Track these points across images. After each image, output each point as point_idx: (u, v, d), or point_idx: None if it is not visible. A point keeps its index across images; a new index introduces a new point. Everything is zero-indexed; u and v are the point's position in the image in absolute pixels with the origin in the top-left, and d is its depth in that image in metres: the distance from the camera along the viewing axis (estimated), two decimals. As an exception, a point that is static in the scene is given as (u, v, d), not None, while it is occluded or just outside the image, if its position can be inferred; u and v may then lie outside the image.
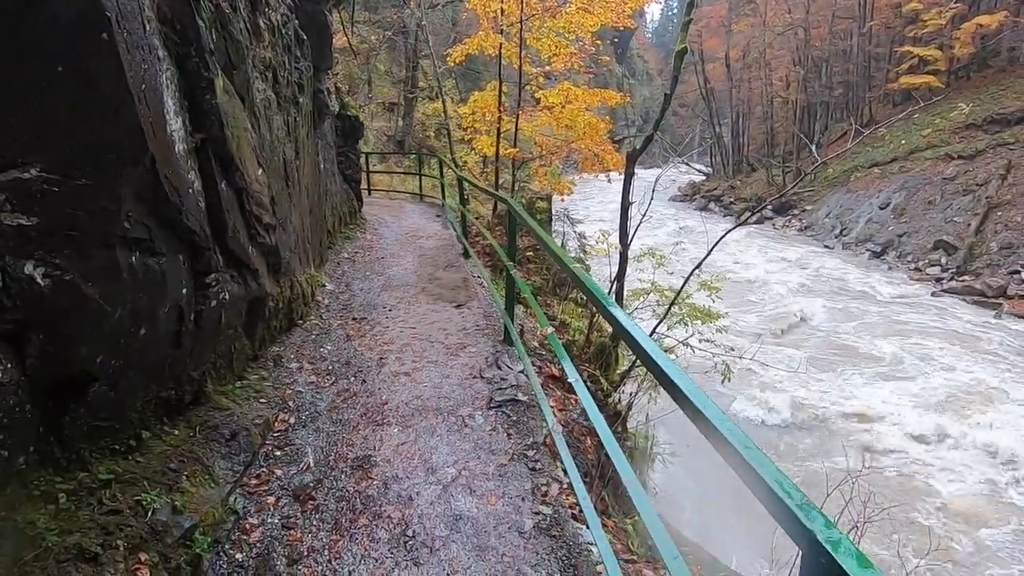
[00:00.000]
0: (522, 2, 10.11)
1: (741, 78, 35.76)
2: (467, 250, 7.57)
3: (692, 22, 7.09)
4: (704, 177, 37.39)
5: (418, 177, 14.54)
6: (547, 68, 11.75)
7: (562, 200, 14.15)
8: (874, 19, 29.46)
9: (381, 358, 4.47)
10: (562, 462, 2.87)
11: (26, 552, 1.89)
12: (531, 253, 9.09)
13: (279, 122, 4.65)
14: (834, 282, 16.39)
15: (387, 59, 21.61)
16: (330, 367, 4.34)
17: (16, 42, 1.88)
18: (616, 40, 36.27)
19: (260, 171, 3.85)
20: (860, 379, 10.41)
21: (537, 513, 2.73)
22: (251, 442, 3.11)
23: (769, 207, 23.66)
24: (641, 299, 7.01)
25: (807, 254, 19.66)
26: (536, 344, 5.08)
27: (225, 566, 2.41)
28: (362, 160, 12.10)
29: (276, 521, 2.68)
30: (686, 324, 6.50)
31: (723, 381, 6.41)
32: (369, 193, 13.70)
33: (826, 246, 20.95)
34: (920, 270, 16.75)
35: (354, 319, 5.37)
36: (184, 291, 2.81)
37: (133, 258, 2.37)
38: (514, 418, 3.55)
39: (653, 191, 6.45)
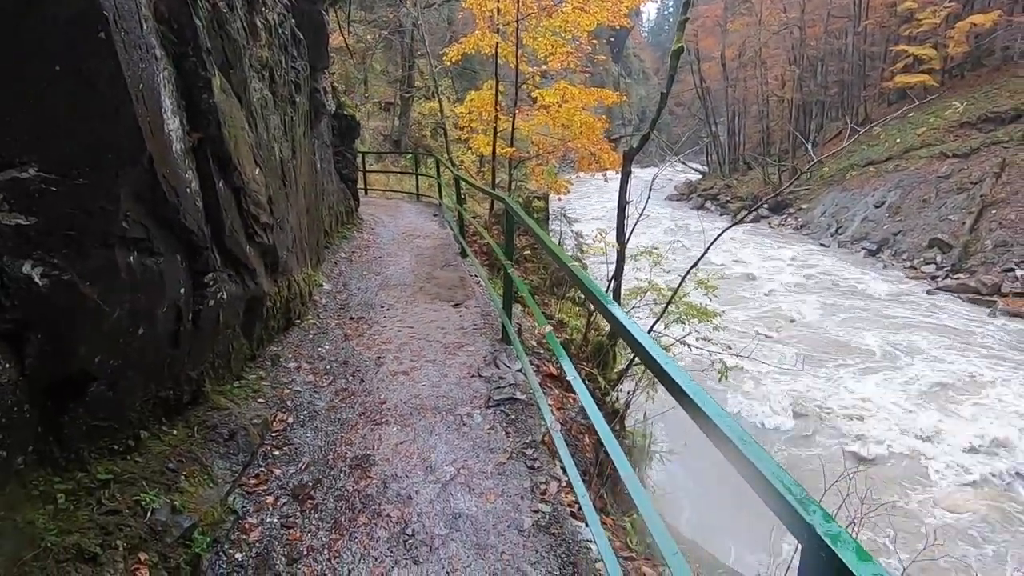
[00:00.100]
0: (518, 1, 10.11)
1: (737, 77, 35.85)
2: (464, 249, 7.57)
3: (688, 21, 7.10)
4: (700, 176, 37.45)
5: (415, 177, 14.53)
6: (543, 67, 11.75)
7: (559, 199, 14.18)
8: (869, 18, 29.59)
9: (379, 357, 4.47)
10: (561, 460, 2.88)
11: (25, 552, 1.89)
12: (528, 252, 9.10)
13: (276, 121, 4.64)
14: (830, 280, 16.46)
15: (383, 58, 21.58)
16: (328, 366, 4.34)
17: (15, 42, 1.88)
18: (612, 39, 36.26)
19: (257, 170, 3.85)
20: (856, 376, 10.46)
21: (536, 511, 2.74)
22: (249, 442, 3.11)
23: (765, 206, 23.76)
24: (638, 298, 7.03)
25: (803, 252, 19.74)
26: (534, 343, 5.09)
27: (224, 565, 2.41)
28: (358, 160, 12.07)
29: (275, 520, 2.68)
30: (683, 322, 6.52)
31: (720, 379, 6.44)
32: (366, 193, 13.69)
33: (822, 244, 21.03)
34: (915, 268, 16.83)
35: (352, 319, 5.37)
36: (182, 291, 2.80)
37: (131, 258, 2.37)
38: (512, 417, 3.56)
39: (650, 190, 6.45)
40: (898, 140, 22.98)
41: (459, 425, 3.48)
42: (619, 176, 6.77)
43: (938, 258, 16.58)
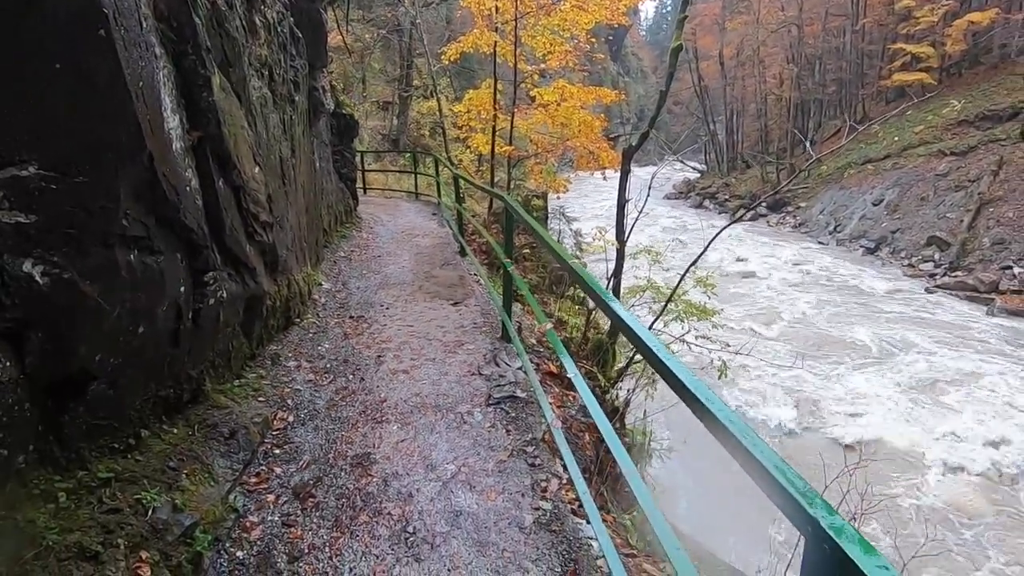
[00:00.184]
0: (516, -1, 10.11)
1: (735, 75, 35.88)
2: (464, 248, 7.57)
3: (687, 19, 7.10)
4: (699, 175, 37.49)
5: (413, 176, 14.53)
6: (542, 66, 11.75)
7: (557, 198, 14.18)
8: (867, 16, 29.60)
9: (379, 356, 4.47)
10: (561, 458, 2.88)
11: (26, 551, 1.89)
12: (527, 251, 9.11)
13: (275, 120, 4.64)
14: (828, 278, 16.48)
15: (381, 57, 21.55)
16: (328, 365, 4.33)
17: (15, 40, 1.87)
18: (611, 38, 36.31)
19: (257, 169, 3.85)
20: (853, 372, 10.48)
21: (537, 508, 2.74)
22: (250, 440, 3.11)
23: (763, 204, 23.77)
24: (637, 296, 7.03)
25: (801, 251, 19.75)
26: (533, 341, 5.09)
27: (226, 564, 2.41)
28: (357, 159, 12.06)
29: (276, 519, 2.68)
30: (682, 320, 6.52)
31: (720, 377, 6.44)
32: (364, 192, 13.68)
33: (820, 243, 21.05)
34: (913, 266, 16.86)
35: (351, 317, 5.36)
36: (182, 289, 2.80)
37: (131, 256, 2.37)
38: (513, 414, 3.56)
39: (649, 188, 6.46)
40: (896, 138, 23.00)
41: (460, 423, 3.49)
42: (618, 175, 6.77)
43: (936, 256, 16.61)
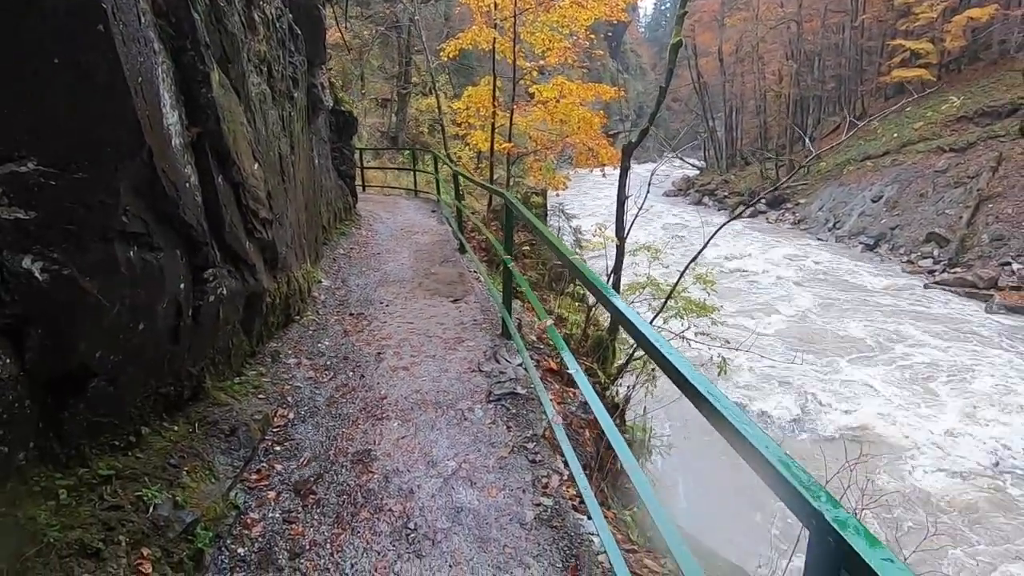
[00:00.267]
0: (515, -4, 10.08)
1: (734, 72, 35.85)
2: (463, 245, 7.56)
3: (686, 15, 7.08)
4: (698, 172, 37.46)
5: (412, 173, 14.51)
6: (541, 63, 11.71)
7: (557, 195, 14.17)
8: (866, 13, 29.58)
9: (379, 353, 4.47)
10: (562, 454, 2.88)
11: (27, 548, 1.89)
12: (527, 248, 9.11)
13: (274, 116, 4.62)
14: (827, 275, 16.49)
15: (380, 55, 21.50)
16: (328, 362, 4.33)
17: (14, 36, 1.86)
18: (610, 34, 36.24)
19: (256, 166, 3.83)
20: (852, 369, 10.50)
21: (538, 504, 2.74)
22: (251, 437, 3.11)
23: (763, 201, 23.76)
24: (637, 293, 7.04)
25: (800, 247, 19.77)
26: (534, 338, 5.09)
27: (227, 560, 2.41)
28: (356, 156, 12.04)
29: (277, 515, 2.68)
30: (682, 317, 6.53)
31: (719, 373, 6.45)
32: (363, 189, 13.65)
33: (819, 239, 21.06)
34: (912, 262, 16.88)
35: (351, 315, 5.36)
36: (182, 286, 2.79)
37: (131, 252, 2.36)
38: (513, 411, 3.56)
39: (649, 185, 6.46)
40: (895, 135, 23.01)
41: (460, 420, 3.48)
42: (617, 172, 6.77)
43: (935, 252, 16.63)
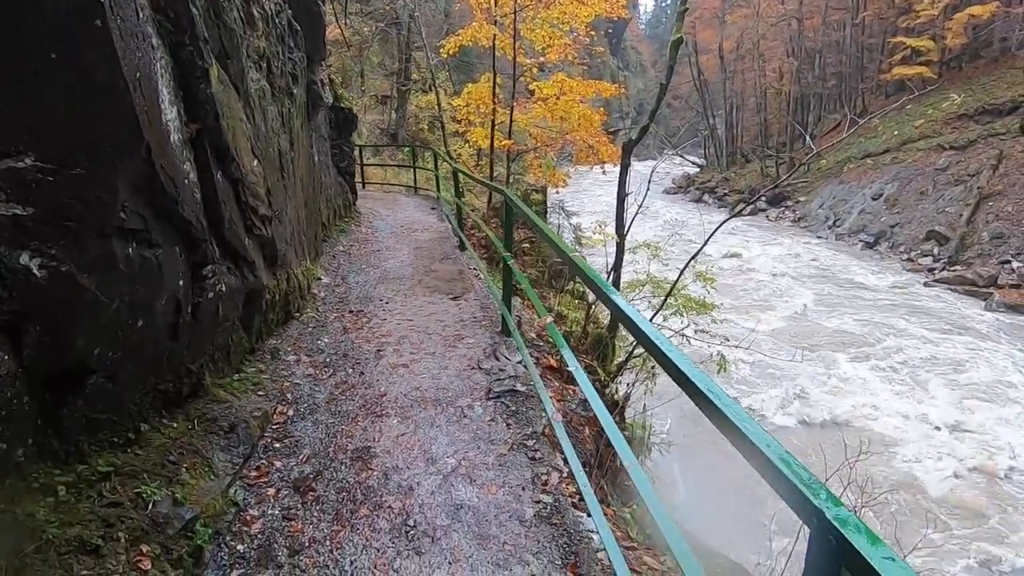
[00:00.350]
0: (515, -8, 10.04)
1: (735, 69, 35.78)
2: (463, 242, 7.55)
3: (687, 12, 7.06)
4: (698, 169, 37.43)
5: (412, 170, 14.48)
6: (541, 59, 11.67)
7: (557, 192, 14.15)
8: (867, 10, 29.52)
9: (379, 350, 4.47)
10: (562, 451, 2.88)
11: (26, 544, 1.89)
12: (527, 245, 9.09)
13: (273, 113, 4.61)
14: (827, 273, 16.49)
15: (380, 51, 21.45)
16: (328, 360, 4.33)
17: (15, 39, 1.85)
18: (610, 31, 36.10)
19: (255, 162, 3.82)
20: (851, 366, 10.50)
21: (538, 502, 2.74)
22: (250, 434, 3.10)
23: (763, 198, 23.73)
24: (637, 290, 7.04)
25: (801, 245, 19.75)
26: (533, 335, 5.09)
27: (227, 557, 2.40)
28: (356, 153, 12.01)
29: (277, 512, 2.68)
30: (682, 315, 6.53)
31: (719, 371, 6.45)
32: (363, 186, 13.63)
33: (819, 237, 21.05)
34: (912, 260, 16.86)
35: (351, 312, 5.35)
36: (181, 283, 2.79)
37: (130, 249, 2.35)
38: (513, 408, 3.56)
39: (649, 182, 6.45)
40: (896, 132, 22.96)
41: (460, 417, 3.48)
42: (617, 169, 6.76)
43: (935, 250, 16.61)
